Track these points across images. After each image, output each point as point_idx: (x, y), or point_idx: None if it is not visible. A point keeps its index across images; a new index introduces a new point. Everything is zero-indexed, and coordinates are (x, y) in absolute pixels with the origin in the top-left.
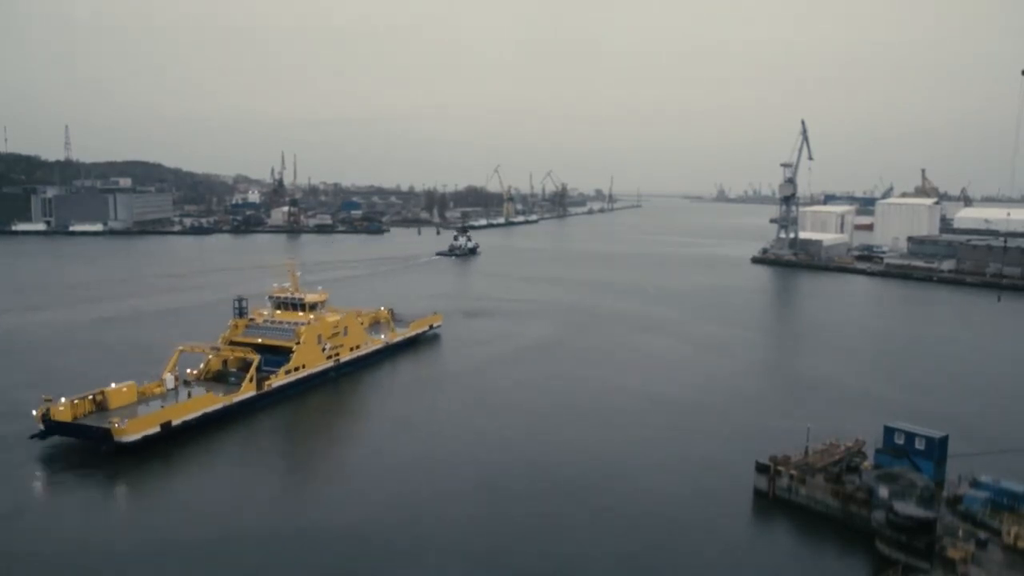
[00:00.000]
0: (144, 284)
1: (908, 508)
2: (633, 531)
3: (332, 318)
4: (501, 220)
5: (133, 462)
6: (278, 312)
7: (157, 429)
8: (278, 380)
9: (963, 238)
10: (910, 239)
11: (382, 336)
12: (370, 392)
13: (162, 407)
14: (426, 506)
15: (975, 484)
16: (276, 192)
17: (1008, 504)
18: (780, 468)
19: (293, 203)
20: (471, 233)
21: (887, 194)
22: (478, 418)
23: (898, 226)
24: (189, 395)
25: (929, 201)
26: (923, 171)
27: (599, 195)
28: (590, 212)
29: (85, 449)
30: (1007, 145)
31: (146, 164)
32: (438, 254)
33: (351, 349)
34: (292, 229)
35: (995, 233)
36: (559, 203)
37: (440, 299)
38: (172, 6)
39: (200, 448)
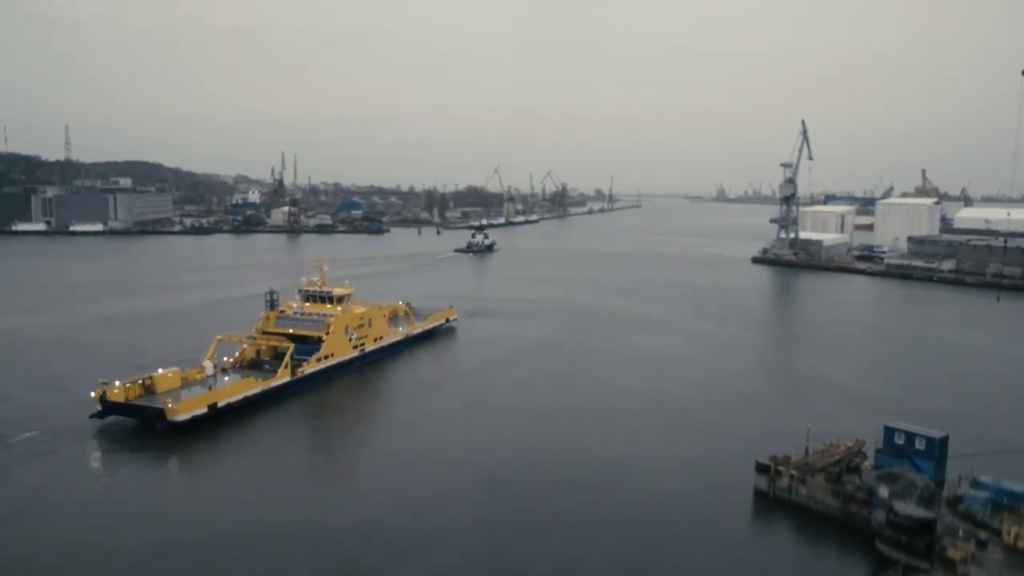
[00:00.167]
0: (156, 283)
1: (908, 508)
2: (633, 531)
3: (358, 310)
4: (501, 220)
5: (182, 439)
6: (307, 304)
7: (204, 410)
8: (310, 367)
9: (963, 238)
10: (910, 239)
11: (401, 328)
12: (389, 384)
13: (202, 391)
14: (426, 505)
15: (975, 484)
16: (276, 192)
17: (1008, 504)
18: (780, 468)
19: (293, 203)
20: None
21: (887, 194)
22: (478, 418)
23: (898, 226)
24: (226, 381)
25: (929, 201)
26: (923, 171)
27: (599, 195)
28: (590, 212)
29: (139, 427)
30: (1007, 145)
31: (146, 164)
32: (456, 251)
33: (375, 340)
34: (292, 229)
35: (995, 233)
36: (559, 203)
37: (450, 298)
38: (172, 6)
39: (240, 429)
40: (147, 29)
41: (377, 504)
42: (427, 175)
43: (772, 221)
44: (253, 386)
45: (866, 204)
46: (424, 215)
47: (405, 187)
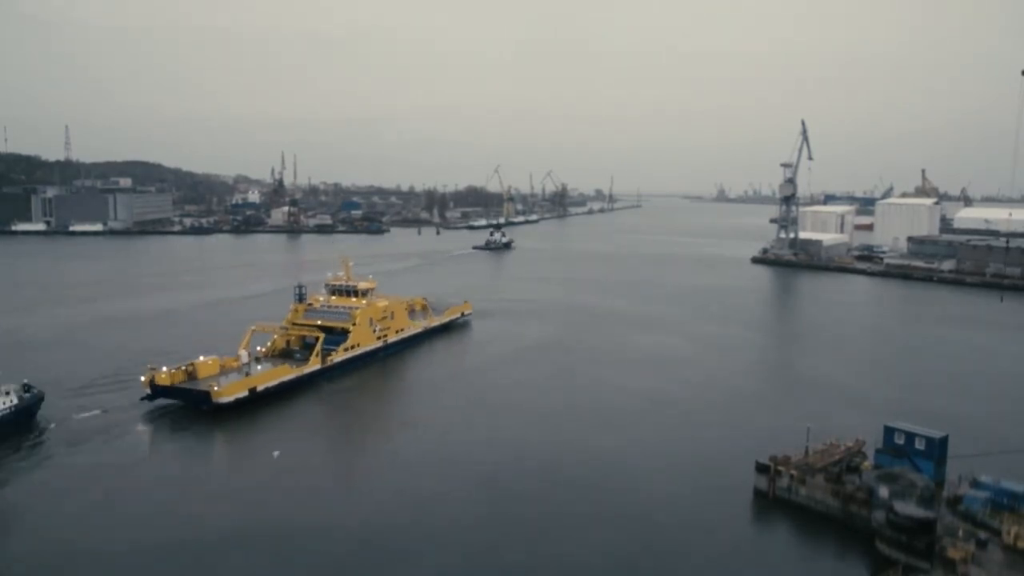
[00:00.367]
0: (160, 283)
1: (908, 508)
2: (633, 530)
3: (381, 303)
4: (501, 220)
5: (225, 419)
6: (333, 298)
7: (245, 393)
8: (338, 356)
9: (963, 238)
10: (910, 239)
11: (420, 321)
12: (406, 375)
13: (238, 378)
14: (426, 504)
15: (975, 484)
16: (276, 192)
17: (1008, 504)
18: (780, 468)
19: (293, 203)
20: (496, 231)
21: (887, 194)
22: (479, 417)
23: (898, 226)
24: (259, 369)
25: (929, 201)
26: (923, 171)
27: (599, 195)
28: (590, 212)
29: (185, 408)
30: (1007, 145)
31: (146, 164)
32: (475, 248)
33: (396, 331)
34: (292, 229)
35: (995, 233)
36: (559, 203)
37: (455, 295)
38: (172, 6)
39: (276, 410)
40: (147, 29)
41: (378, 503)
42: (427, 175)
43: (772, 221)
44: (288, 372)
45: (866, 204)
46: (424, 215)
47: (405, 187)
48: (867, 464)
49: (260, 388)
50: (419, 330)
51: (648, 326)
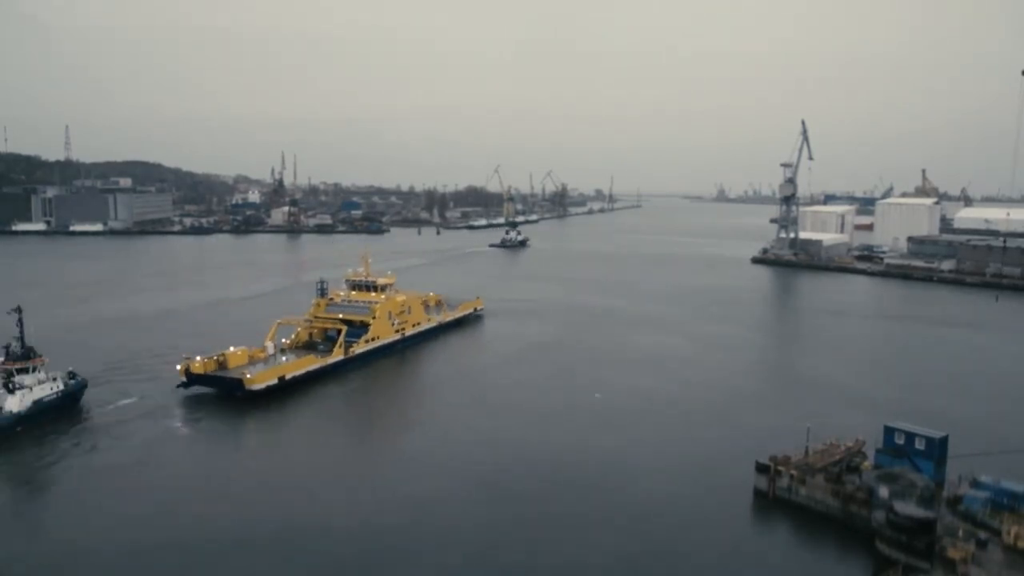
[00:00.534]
0: (171, 282)
1: (908, 508)
2: (633, 530)
3: (399, 298)
4: (501, 220)
5: (257, 404)
6: (353, 293)
7: (275, 381)
8: (360, 348)
9: (963, 238)
10: (910, 239)
11: (435, 316)
12: (420, 368)
13: (264, 368)
14: (427, 504)
15: (975, 484)
16: (276, 192)
17: (1008, 504)
18: (780, 468)
19: (293, 203)
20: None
21: (887, 194)
22: (479, 418)
23: (898, 226)
24: (283, 360)
25: (929, 201)
26: (923, 171)
27: (599, 195)
28: (590, 212)
29: (218, 395)
30: (1007, 145)
31: (146, 164)
32: (491, 246)
33: (413, 325)
34: (292, 229)
35: (995, 233)
36: (559, 203)
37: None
38: (172, 6)
39: (303, 398)
40: (147, 29)
41: (379, 502)
42: (427, 175)
43: (772, 221)
44: (314, 362)
45: (866, 204)
46: (424, 215)
47: (405, 187)
48: (867, 464)
49: (288, 376)
50: (434, 324)
51: (648, 326)
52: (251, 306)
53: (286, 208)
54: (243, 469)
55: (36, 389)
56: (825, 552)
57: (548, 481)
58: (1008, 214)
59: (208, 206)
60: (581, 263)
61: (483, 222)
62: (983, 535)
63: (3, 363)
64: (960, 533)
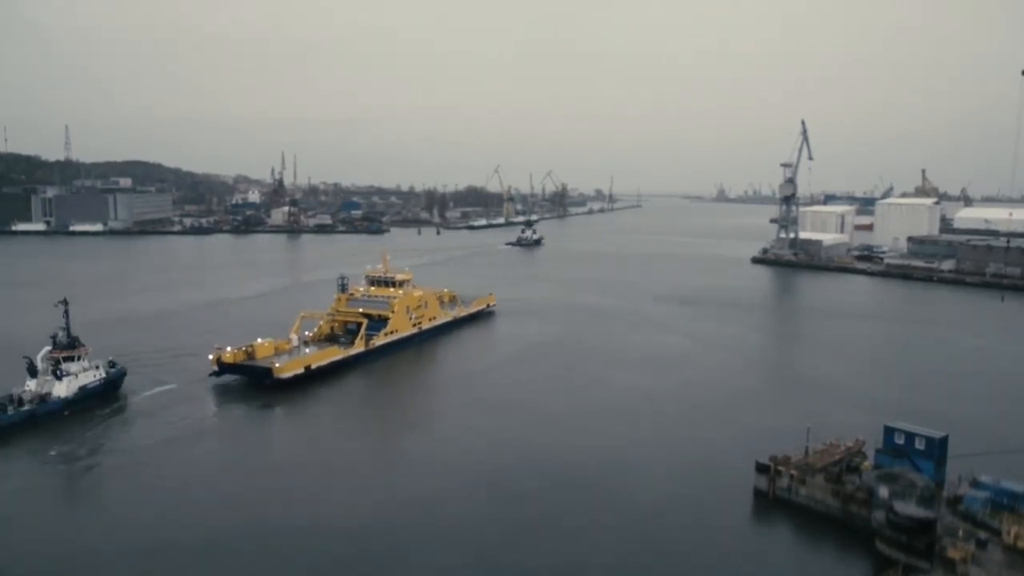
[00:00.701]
0: (181, 282)
1: (908, 508)
2: (633, 530)
3: (416, 293)
4: (501, 220)
5: (285, 392)
6: (372, 288)
7: (302, 370)
8: (379, 340)
9: (963, 238)
10: (910, 239)
11: (450, 311)
12: (435, 361)
13: (288, 359)
14: (428, 504)
15: (975, 484)
16: (276, 192)
17: (1008, 504)
18: (780, 468)
19: (293, 203)
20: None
21: (887, 194)
22: (480, 417)
23: (898, 226)
24: (306, 351)
25: (929, 201)
26: (923, 171)
27: (599, 195)
28: (590, 212)
29: (248, 383)
30: (1007, 145)
31: (146, 164)
32: (507, 244)
33: (429, 319)
34: (292, 229)
35: (995, 233)
36: (559, 203)
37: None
38: (172, 7)
39: (327, 386)
40: (147, 29)
41: (379, 502)
42: (427, 175)
43: (772, 221)
44: (337, 353)
45: (866, 204)
46: (424, 215)
47: (405, 187)
48: (867, 464)
49: (314, 366)
50: (449, 319)
51: (648, 326)
52: (252, 305)
53: (286, 208)
54: (252, 465)
55: (81, 376)
56: (825, 552)
57: (548, 480)
58: (1010, 214)
59: (208, 206)
60: (581, 263)
61: (483, 222)
62: (983, 535)
63: (51, 352)
64: (960, 533)
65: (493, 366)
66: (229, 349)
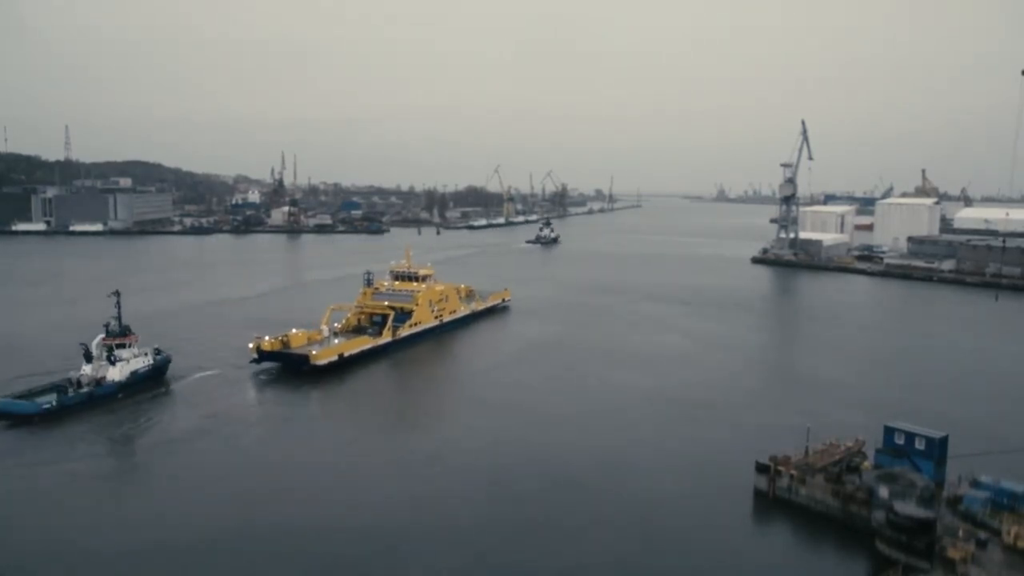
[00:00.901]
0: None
1: (908, 508)
2: (633, 530)
3: (438, 288)
4: (501, 220)
5: (321, 377)
6: (396, 283)
7: (336, 358)
8: (404, 331)
9: (963, 238)
10: (910, 239)
11: (469, 305)
12: (451, 353)
13: (321, 348)
14: (427, 504)
15: (975, 484)
16: (276, 192)
17: (1008, 504)
18: (780, 468)
19: (293, 203)
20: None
21: (887, 194)
22: (481, 417)
23: (898, 226)
24: (336, 341)
25: (929, 201)
26: (923, 171)
27: (599, 195)
28: (590, 212)
29: (285, 369)
30: (1007, 145)
31: (146, 164)
32: (527, 242)
33: (450, 313)
34: (292, 229)
35: (995, 233)
36: (559, 203)
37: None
38: (172, 7)
39: (358, 372)
40: (147, 29)
41: (376, 503)
42: (427, 175)
43: (772, 221)
44: (367, 343)
45: (866, 204)
46: (424, 215)
47: (405, 187)
48: (867, 464)
49: (346, 354)
50: (467, 313)
51: (648, 325)
52: (258, 303)
53: (286, 208)
54: (261, 463)
55: (132, 362)
56: (825, 552)
57: (548, 480)
58: (1007, 214)
59: (208, 206)
60: (581, 262)
61: (483, 222)
62: (983, 535)
63: (104, 339)
64: (960, 533)
65: (497, 365)
66: (267, 338)
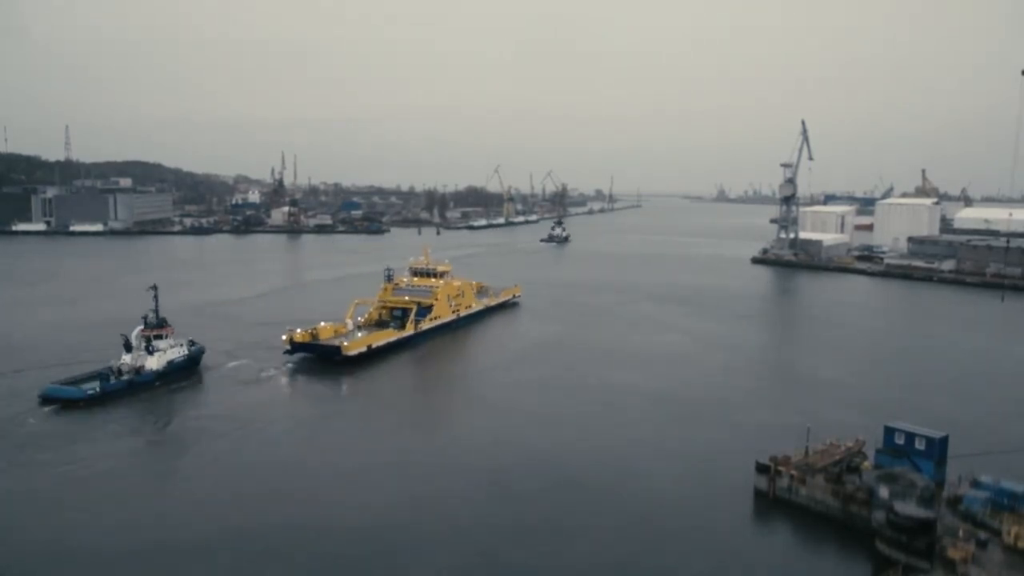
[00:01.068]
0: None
1: (908, 508)
2: (633, 530)
3: (456, 283)
4: (501, 220)
5: (351, 366)
6: (415, 279)
7: (365, 349)
8: (425, 325)
9: (963, 238)
10: (910, 239)
11: (483, 300)
12: (466, 347)
13: (347, 340)
14: (428, 504)
15: (975, 484)
16: (276, 192)
17: (1008, 504)
18: (780, 468)
19: (293, 203)
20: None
21: (887, 194)
22: (480, 417)
23: (898, 226)
24: (360, 334)
25: (929, 201)
26: (923, 171)
27: (599, 195)
28: (590, 212)
29: (317, 360)
30: (1007, 145)
31: (146, 164)
32: (541, 241)
33: (466, 307)
34: (292, 229)
35: (995, 233)
36: (559, 203)
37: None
38: (171, 6)
39: (385, 362)
40: (147, 30)
41: (374, 503)
42: (427, 175)
43: (772, 221)
44: (393, 335)
45: (866, 204)
46: (424, 215)
47: (405, 187)
48: (867, 464)
49: (375, 345)
50: (481, 307)
51: (648, 325)
52: (264, 302)
53: (286, 208)
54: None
55: (168, 352)
56: (825, 552)
57: (548, 480)
58: (1010, 214)
59: (208, 206)
60: (581, 262)
61: (483, 222)
62: (983, 535)
63: (142, 331)
64: (960, 533)
65: (499, 364)
66: (299, 331)
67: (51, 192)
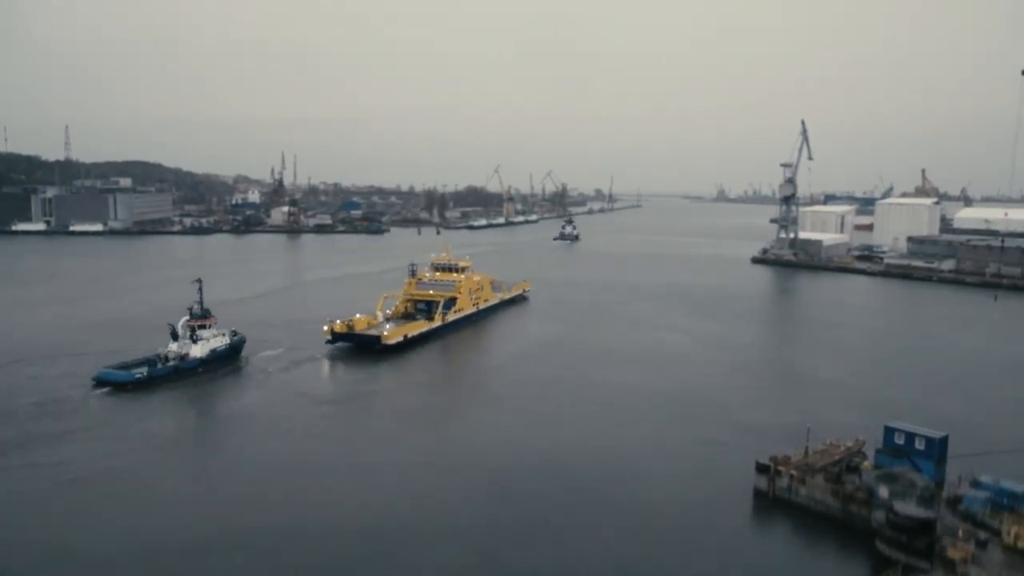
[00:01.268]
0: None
1: (908, 508)
2: (633, 530)
3: (476, 278)
4: (501, 220)
5: (389, 355)
6: (437, 274)
7: (401, 339)
8: (451, 317)
9: (963, 238)
10: (910, 239)
11: (498, 294)
12: (478, 340)
13: (377, 331)
14: (428, 503)
15: (975, 484)
16: (276, 192)
17: (1008, 504)
18: (780, 468)
19: (293, 203)
20: (566, 228)
21: (887, 194)
22: (480, 418)
23: (898, 226)
24: (388, 326)
25: (929, 201)
26: (923, 171)
27: (599, 195)
28: (590, 212)
29: (358, 349)
30: (1007, 145)
31: (146, 164)
32: (554, 239)
33: (484, 300)
34: (292, 229)
35: (995, 233)
36: (559, 203)
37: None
38: (171, 6)
39: (417, 350)
40: (147, 30)
41: (381, 502)
42: (427, 175)
43: (772, 221)
44: (424, 326)
45: (866, 204)
46: (424, 215)
47: (405, 187)
48: (867, 464)
49: (410, 335)
50: (496, 301)
51: (648, 325)
52: (256, 305)
53: (286, 208)
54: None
55: (211, 341)
56: (825, 552)
57: (548, 480)
58: (1005, 214)
59: (208, 206)
60: (581, 262)
61: (483, 222)
62: (983, 535)
63: (187, 321)
64: (960, 533)
65: (503, 364)
66: (337, 322)
67: (51, 192)
